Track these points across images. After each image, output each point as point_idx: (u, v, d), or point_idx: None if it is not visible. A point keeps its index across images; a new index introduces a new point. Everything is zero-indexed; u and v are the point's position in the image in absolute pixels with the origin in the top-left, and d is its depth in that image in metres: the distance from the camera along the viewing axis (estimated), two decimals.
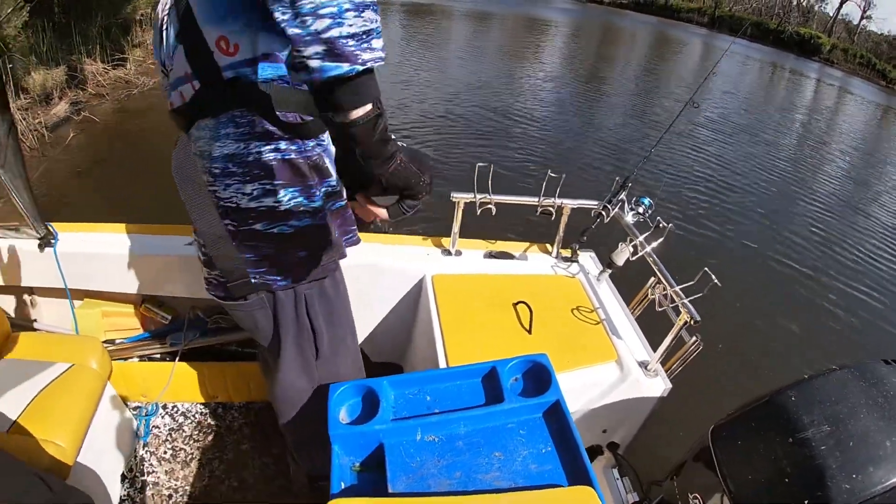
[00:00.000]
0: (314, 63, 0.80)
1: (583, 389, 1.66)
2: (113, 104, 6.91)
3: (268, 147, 1.07)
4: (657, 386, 1.67)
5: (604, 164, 7.16)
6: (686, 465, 1.53)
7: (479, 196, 1.89)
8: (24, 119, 5.62)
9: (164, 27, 1.11)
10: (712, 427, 1.42)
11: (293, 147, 1.10)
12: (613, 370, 1.69)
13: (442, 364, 1.64)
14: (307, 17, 0.78)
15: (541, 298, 1.86)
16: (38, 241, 2.00)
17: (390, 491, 0.94)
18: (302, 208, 1.14)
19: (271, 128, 1.06)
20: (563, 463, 0.98)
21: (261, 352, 1.46)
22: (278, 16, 0.79)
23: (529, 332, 1.75)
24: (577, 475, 0.95)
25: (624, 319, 1.87)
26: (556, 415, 1.06)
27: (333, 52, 0.80)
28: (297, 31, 0.79)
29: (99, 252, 2.03)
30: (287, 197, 1.12)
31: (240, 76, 1.00)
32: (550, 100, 10.36)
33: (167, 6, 1.11)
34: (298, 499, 1.95)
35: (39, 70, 6.32)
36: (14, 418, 1.65)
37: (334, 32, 0.79)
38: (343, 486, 0.99)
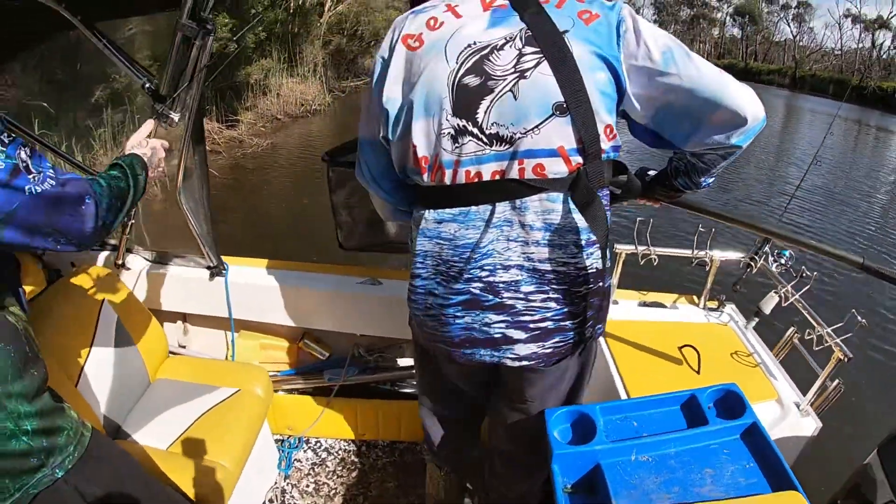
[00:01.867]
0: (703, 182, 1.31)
1: None
2: (228, 161, 7.37)
3: (609, 214, 1.20)
4: (810, 425, 1.68)
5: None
6: None
7: (640, 248, 1.99)
8: None
9: (509, 89, 1.11)
10: (877, 448, 1.44)
11: None
12: (775, 408, 1.72)
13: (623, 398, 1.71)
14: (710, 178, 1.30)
15: (700, 343, 1.90)
16: (207, 271, 2.10)
17: None
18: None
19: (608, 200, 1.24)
20: (767, 476, 1.05)
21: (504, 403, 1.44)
22: (700, 175, 1.29)
23: (698, 372, 1.79)
24: (784, 484, 1.02)
25: (773, 363, 1.90)
26: (754, 435, 1.13)
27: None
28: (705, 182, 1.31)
29: (262, 284, 2.11)
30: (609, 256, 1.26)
31: (610, 157, 1.19)
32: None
33: (507, 73, 1.11)
34: None
35: None
36: (176, 437, 1.71)
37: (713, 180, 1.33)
38: None
